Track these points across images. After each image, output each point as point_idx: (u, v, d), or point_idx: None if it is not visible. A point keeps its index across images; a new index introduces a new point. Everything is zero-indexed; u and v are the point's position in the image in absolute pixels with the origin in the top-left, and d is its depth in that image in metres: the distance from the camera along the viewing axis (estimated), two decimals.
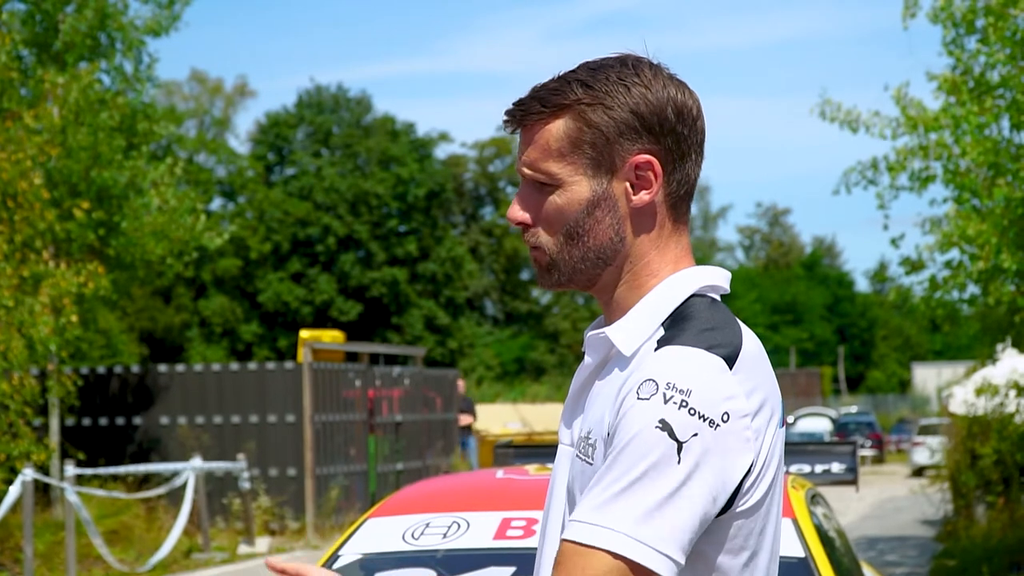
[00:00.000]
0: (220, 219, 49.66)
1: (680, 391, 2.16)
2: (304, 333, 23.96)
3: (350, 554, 4.99)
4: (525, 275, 66.38)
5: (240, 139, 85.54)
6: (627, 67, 2.35)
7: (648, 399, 2.17)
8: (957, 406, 22.99)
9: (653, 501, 2.13)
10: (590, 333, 2.38)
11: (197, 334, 55.39)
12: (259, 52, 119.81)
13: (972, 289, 15.46)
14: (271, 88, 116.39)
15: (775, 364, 77.14)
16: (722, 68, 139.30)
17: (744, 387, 2.22)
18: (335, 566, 4.96)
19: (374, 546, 4.97)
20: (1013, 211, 14.27)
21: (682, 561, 2.15)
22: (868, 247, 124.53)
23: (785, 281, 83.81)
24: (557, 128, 2.34)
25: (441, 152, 60.52)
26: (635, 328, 2.31)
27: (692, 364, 2.19)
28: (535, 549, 2.67)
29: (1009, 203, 14.35)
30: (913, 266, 15.92)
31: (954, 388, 25.43)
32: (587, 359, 2.39)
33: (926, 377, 71.85)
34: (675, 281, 2.34)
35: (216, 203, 58.01)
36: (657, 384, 2.18)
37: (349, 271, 56.15)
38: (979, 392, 19.28)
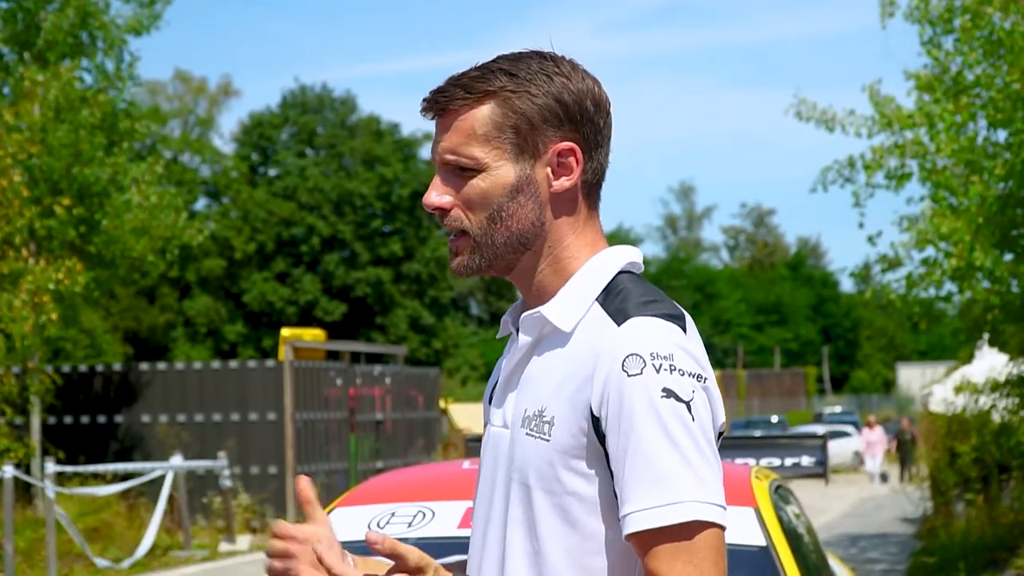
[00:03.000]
0: (204, 219, 49.56)
1: (664, 358, 2.26)
2: (285, 331, 23.99)
3: None
4: (512, 282, 66.31)
5: (224, 139, 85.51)
6: (546, 59, 2.42)
7: (641, 373, 2.25)
8: (936, 405, 23.04)
9: (695, 461, 2.23)
10: (524, 314, 2.43)
11: (182, 334, 55.32)
12: (243, 52, 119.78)
13: (949, 286, 15.52)
14: (255, 88, 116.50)
15: (760, 364, 77.25)
16: (728, 63, 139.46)
17: (701, 350, 2.34)
18: None
19: (340, 535, 4.95)
20: (987, 209, 14.33)
21: (726, 508, 2.27)
22: (853, 248, 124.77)
23: (770, 281, 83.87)
24: (482, 114, 2.39)
25: (426, 152, 60.36)
26: (570, 305, 2.38)
27: (661, 332, 2.29)
28: None
29: (983, 201, 14.41)
30: (890, 264, 15.99)
31: (934, 387, 25.50)
32: (521, 339, 2.43)
33: (910, 377, 71.88)
34: (601, 260, 2.42)
35: (201, 203, 57.95)
36: (642, 357, 2.26)
37: (333, 271, 56.12)
38: (958, 391, 19.34)
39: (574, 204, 2.42)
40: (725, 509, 2.25)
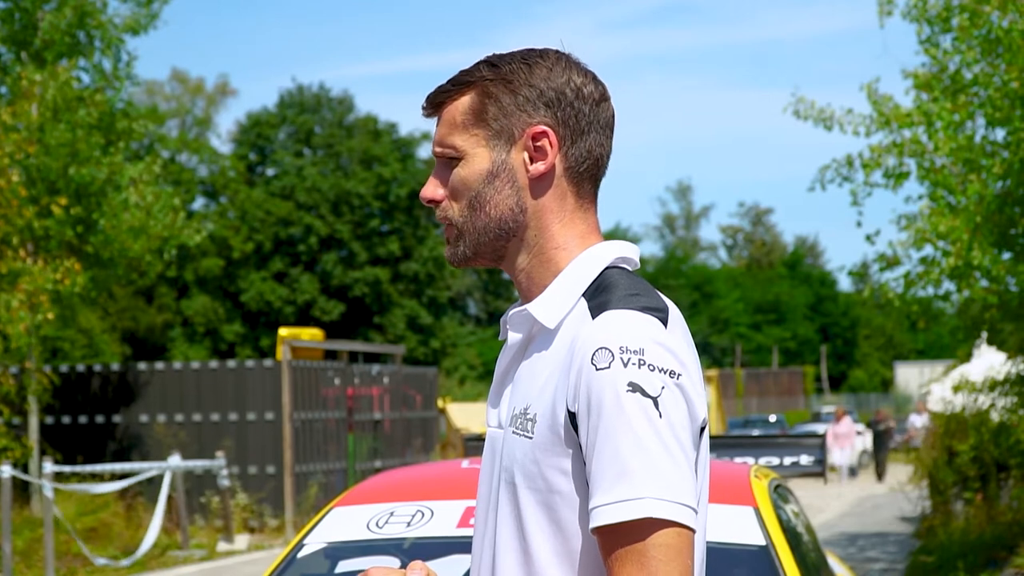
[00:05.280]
0: (202, 218, 49.58)
1: (634, 352, 2.23)
2: (283, 331, 23.97)
3: (315, 543, 5.02)
4: (507, 274, 66.31)
5: (222, 139, 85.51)
6: (533, 52, 2.45)
7: (608, 367, 2.23)
8: (935, 404, 23.04)
9: (658, 458, 2.20)
10: (512, 312, 2.44)
11: (180, 334, 55.27)
12: (240, 51, 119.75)
13: (947, 285, 15.52)
14: (253, 88, 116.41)
15: (758, 363, 77.23)
16: (726, 62, 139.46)
17: (681, 345, 2.30)
18: (300, 554, 4.99)
19: (339, 535, 5.00)
20: (986, 208, 14.33)
21: (696, 508, 2.23)
22: (850, 247, 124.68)
23: (768, 280, 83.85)
24: (463, 103, 2.43)
25: (424, 152, 60.33)
26: (556, 302, 2.38)
27: (634, 325, 2.27)
28: None
29: (982, 199, 14.40)
30: (888, 262, 15.98)
31: (932, 386, 25.50)
32: (511, 338, 2.44)
33: (908, 376, 71.87)
34: (590, 255, 2.41)
35: (198, 203, 57.90)
36: (611, 351, 2.24)
37: (331, 271, 56.09)
38: (956, 389, 19.33)
39: (557, 191, 2.42)
40: (694, 510, 2.21)
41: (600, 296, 2.34)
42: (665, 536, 2.18)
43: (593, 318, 2.30)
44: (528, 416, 2.34)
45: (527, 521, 2.33)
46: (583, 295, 2.37)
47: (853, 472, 36.99)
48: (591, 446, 2.24)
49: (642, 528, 2.19)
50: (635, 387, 2.22)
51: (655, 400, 2.22)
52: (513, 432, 2.37)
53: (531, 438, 2.32)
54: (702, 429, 2.31)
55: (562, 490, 2.30)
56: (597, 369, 2.24)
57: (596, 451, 2.23)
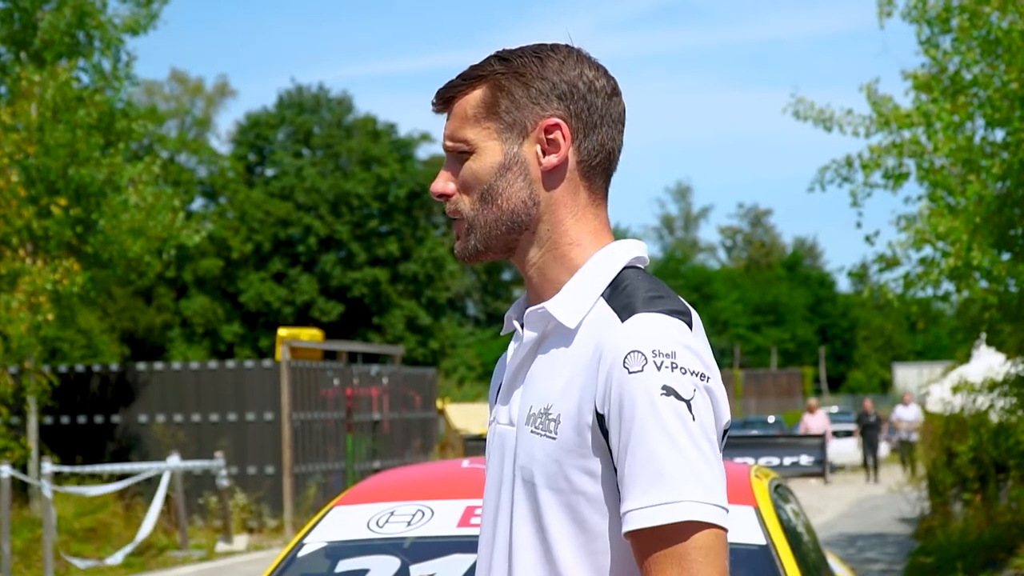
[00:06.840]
0: (201, 219, 49.53)
1: (666, 355, 2.25)
2: (282, 331, 23.98)
3: (315, 542, 5.01)
4: (507, 275, 66.40)
5: (221, 139, 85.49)
6: (545, 46, 2.45)
7: (641, 370, 2.24)
8: (934, 405, 23.04)
9: (693, 460, 2.22)
10: (529, 309, 2.42)
11: (178, 334, 55.27)
12: (240, 52, 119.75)
13: (946, 286, 15.51)
14: (252, 88, 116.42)
15: (756, 365, 77.26)
16: (726, 63, 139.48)
17: (705, 348, 2.32)
18: (300, 554, 4.99)
19: (339, 534, 5.00)
20: (985, 208, 14.33)
21: (728, 508, 2.25)
22: (849, 248, 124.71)
23: (767, 281, 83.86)
24: (474, 97, 2.43)
25: (423, 152, 60.37)
26: (575, 301, 2.37)
27: (664, 329, 2.28)
28: None
29: (981, 200, 14.40)
30: (887, 263, 15.98)
31: (931, 387, 25.51)
32: (526, 335, 2.42)
33: (907, 377, 71.76)
34: (606, 254, 2.41)
35: (197, 203, 57.90)
36: (643, 354, 2.25)
37: (330, 271, 56.09)
38: (955, 390, 19.34)
39: (569, 184, 2.42)
40: (727, 510, 2.23)
41: (621, 298, 2.35)
42: (704, 538, 2.20)
43: (622, 321, 2.30)
44: (550, 416, 2.34)
45: (548, 521, 2.33)
46: (602, 295, 2.37)
47: (831, 469, 36.77)
48: (623, 449, 2.25)
49: (681, 531, 2.20)
50: (669, 390, 2.23)
51: (688, 403, 2.24)
52: (532, 431, 2.36)
53: (554, 438, 2.32)
54: (725, 432, 2.34)
55: (586, 491, 2.31)
56: (630, 372, 2.25)
57: (629, 454, 2.24)
